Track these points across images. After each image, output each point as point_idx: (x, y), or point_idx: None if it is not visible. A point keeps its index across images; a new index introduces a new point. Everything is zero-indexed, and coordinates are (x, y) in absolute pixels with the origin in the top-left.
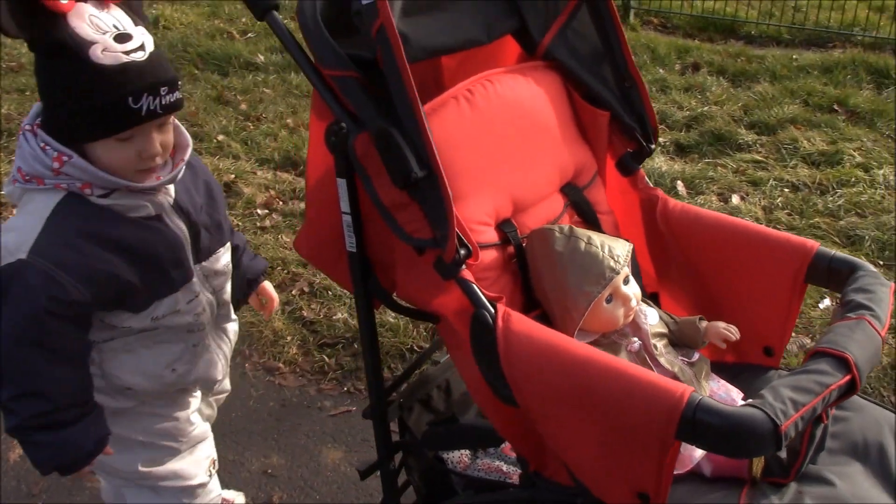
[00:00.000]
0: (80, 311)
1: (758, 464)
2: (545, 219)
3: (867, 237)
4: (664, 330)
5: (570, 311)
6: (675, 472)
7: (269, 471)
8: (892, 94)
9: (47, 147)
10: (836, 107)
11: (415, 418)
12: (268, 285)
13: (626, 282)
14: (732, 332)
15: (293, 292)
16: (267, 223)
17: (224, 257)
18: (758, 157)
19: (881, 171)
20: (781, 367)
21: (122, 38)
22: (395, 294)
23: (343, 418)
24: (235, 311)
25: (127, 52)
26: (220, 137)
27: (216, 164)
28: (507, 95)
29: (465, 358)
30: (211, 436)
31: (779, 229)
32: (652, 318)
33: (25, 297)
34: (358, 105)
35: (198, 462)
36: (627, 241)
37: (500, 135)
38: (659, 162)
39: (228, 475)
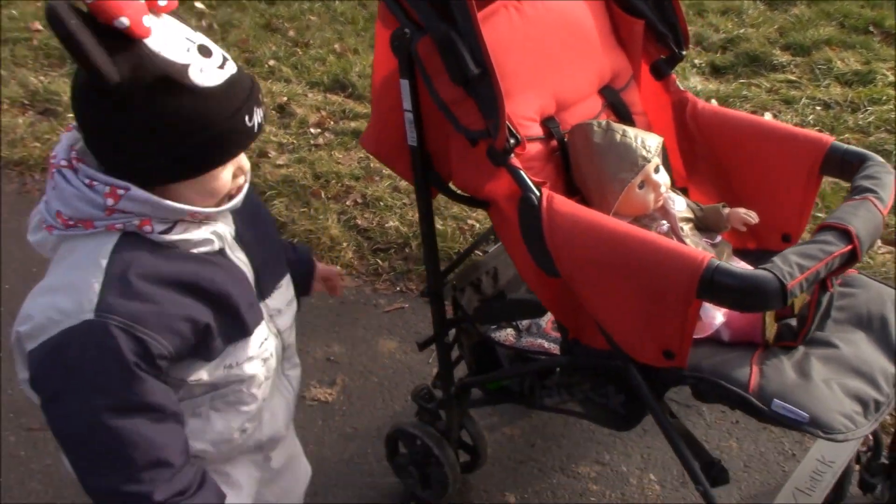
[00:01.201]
0: (165, 365)
1: (771, 330)
2: (585, 117)
3: (894, 152)
4: (690, 215)
5: (605, 196)
6: (696, 337)
7: (332, 358)
8: None
9: (95, 183)
10: (871, 28)
11: (466, 299)
12: (322, 266)
13: (656, 171)
14: (752, 217)
15: (347, 203)
16: (321, 141)
17: (286, 292)
18: (791, 78)
19: None
20: None
21: (204, 50)
22: (450, 183)
23: (397, 314)
24: (299, 307)
25: (221, 66)
26: (272, 62)
27: (269, 87)
28: (551, 6)
29: (512, 237)
30: None
31: None
32: (679, 204)
33: (110, 360)
34: (420, 12)
35: None
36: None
37: (545, 41)
38: (694, 82)
39: None
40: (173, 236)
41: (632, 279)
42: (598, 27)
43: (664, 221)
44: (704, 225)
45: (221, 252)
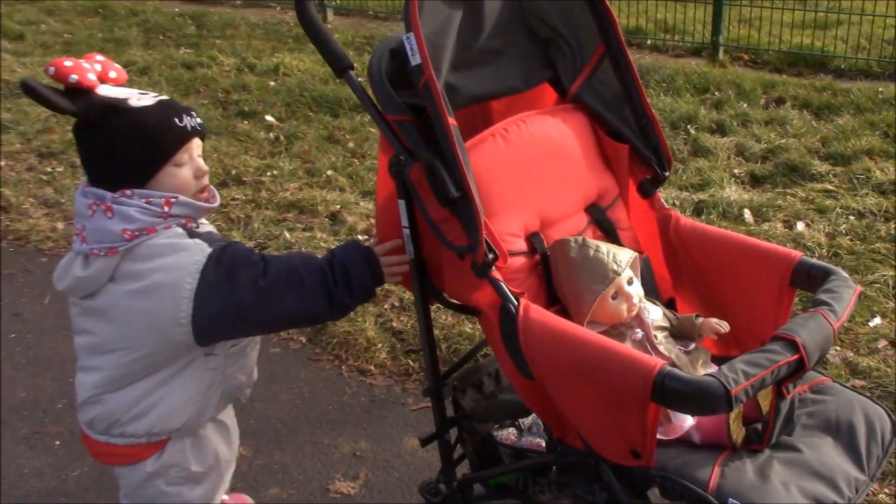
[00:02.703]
0: None
1: (738, 433)
2: (569, 233)
3: None
4: (666, 324)
5: (581, 306)
6: (667, 438)
7: (358, 453)
8: None
9: (151, 199)
10: None
11: (468, 399)
12: None
13: (630, 283)
14: (723, 326)
15: (385, 306)
16: None
17: None
18: (829, 187)
19: None
20: None
21: (143, 94)
22: (444, 293)
23: (423, 412)
24: None
25: (154, 97)
26: (329, 172)
27: (324, 196)
28: (537, 133)
29: (497, 342)
30: None
31: (839, 255)
32: (655, 313)
33: (245, 253)
34: (412, 142)
35: None
36: (639, 251)
37: (530, 164)
38: (729, 192)
39: (324, 456)
40: (202, 230)
41: (594, 384)
42: (583, 150)
43: (639, 330)
44: (680, 333)
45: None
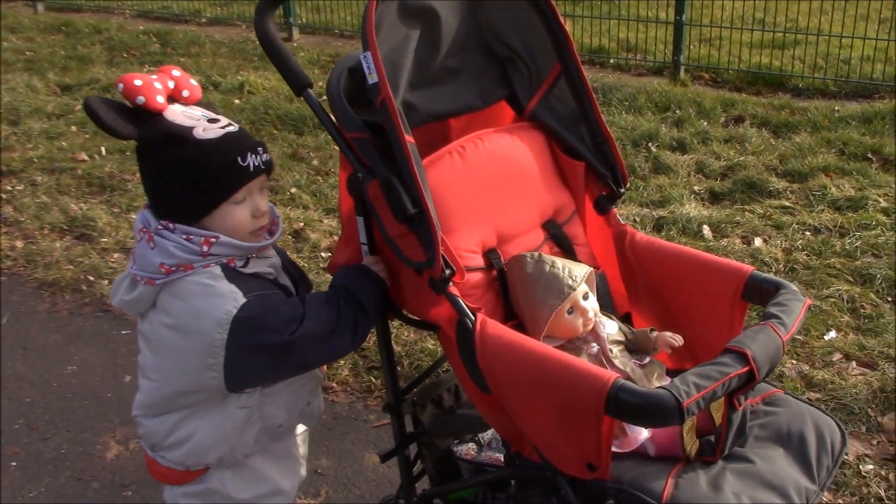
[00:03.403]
0: None
1: (692, 445)
2: (526, 248)
3: (879, 276)
4: (621, 338)
5: (536, 320)
6: (622, 451)
7: (319, 470)
8: None
9: (191, 236)
10: (870, 155)
11: (427, 415)
12: None
13: (585, 298)
14: (677, 340)
15: None
16: None
17: None
18: (786, 203)
19: None
20: None
21: (213, 120)
22: (403, 309)
23: (384, 429)
24: None
25: (222, 127)
26: (294, 190)
27: (287, 213)
28: (494, 150)
29: (455, 357)
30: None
31: (796, 270)
32: (611, 328)
33: (279, 301)
34: (370, 159)
35: None
36: (595, 266)
37: (487, 181)
38: (689, 209)
39: None
40: (251, 269)
41: (550, 397)
42: (540, 167)
43: (594, 344)
44: (635, 347)
45: (275, 280)
